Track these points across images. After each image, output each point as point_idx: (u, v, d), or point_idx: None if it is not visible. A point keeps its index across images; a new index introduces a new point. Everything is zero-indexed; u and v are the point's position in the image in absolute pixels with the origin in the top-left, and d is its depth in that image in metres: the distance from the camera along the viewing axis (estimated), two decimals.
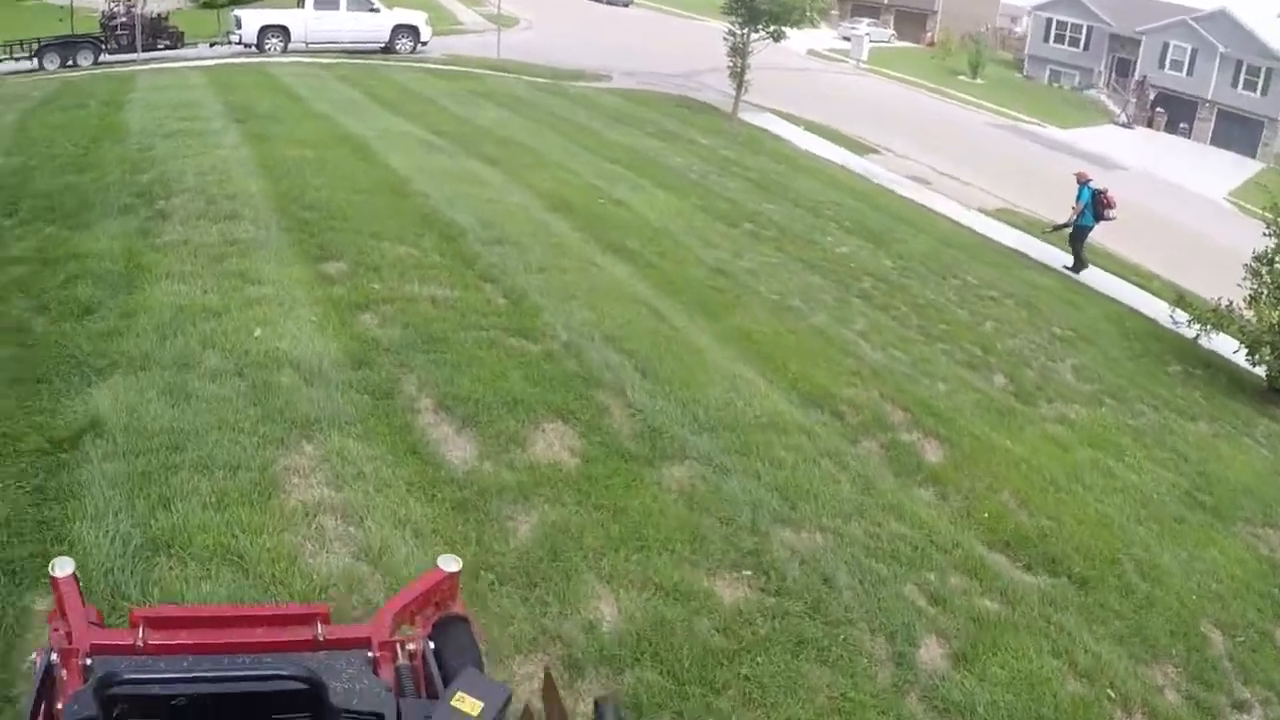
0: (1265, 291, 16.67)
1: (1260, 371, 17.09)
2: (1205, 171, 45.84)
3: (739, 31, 32.45)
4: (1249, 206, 35.38)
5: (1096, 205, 21.12)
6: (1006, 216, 26.65)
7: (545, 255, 12.73)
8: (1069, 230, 21.85)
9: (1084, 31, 68.38)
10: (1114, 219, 21.43)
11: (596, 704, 2.83)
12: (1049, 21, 70.60)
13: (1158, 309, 19.80)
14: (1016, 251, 22.90)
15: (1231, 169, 49.71)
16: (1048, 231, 22.92)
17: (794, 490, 8.24)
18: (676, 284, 13.24)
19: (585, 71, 38.18)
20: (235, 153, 15.30)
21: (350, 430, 7.50)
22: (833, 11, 59.23)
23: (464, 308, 10.24)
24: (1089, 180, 21.50)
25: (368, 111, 22.17)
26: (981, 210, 27.07)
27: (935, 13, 77.80)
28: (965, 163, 33.18)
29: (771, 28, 32.20)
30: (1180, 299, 18.20)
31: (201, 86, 24.16)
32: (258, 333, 8.79)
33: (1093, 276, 21.78)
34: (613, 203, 17.28)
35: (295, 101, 22.19)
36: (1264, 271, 16.96)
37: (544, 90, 32.13)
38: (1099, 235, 22.45)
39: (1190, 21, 61.66)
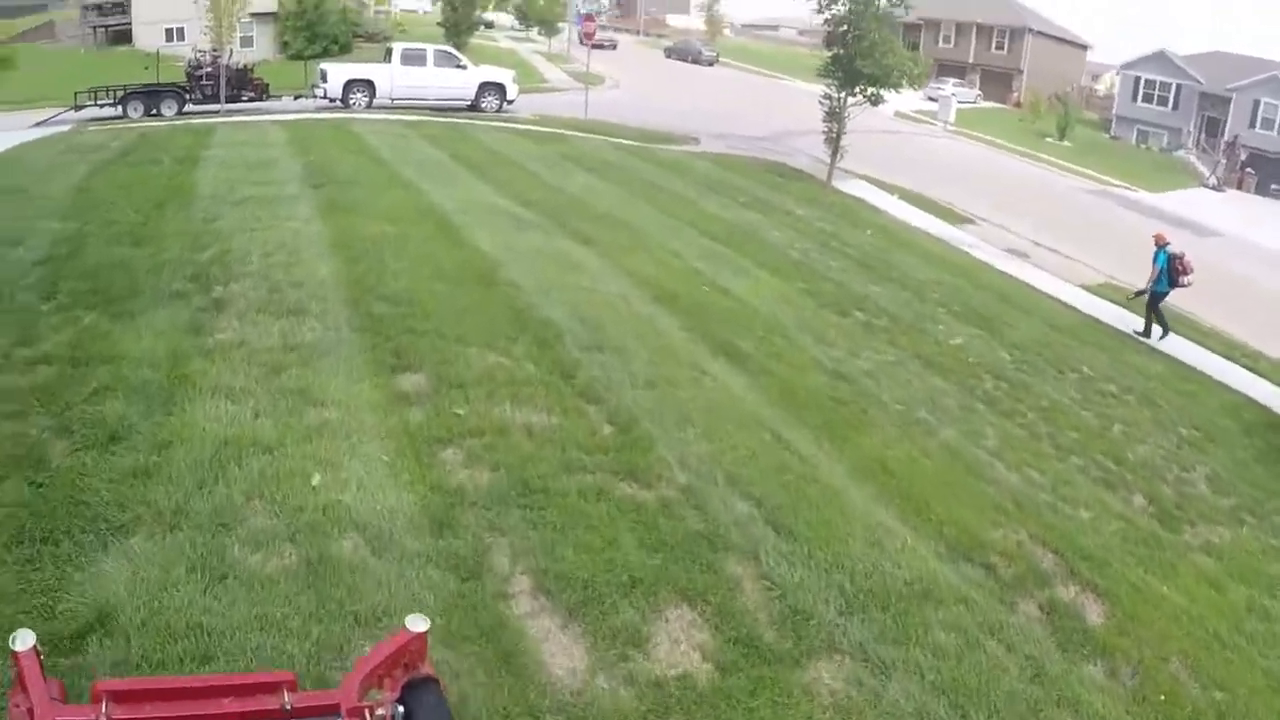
0: None
1: None
2: None
3: (835, 95, 30.58)
4: None
5: (1172, 271, 20.50)
6: (1107, 293, 24.86)
7: (652, 363, 10.95)
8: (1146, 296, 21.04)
9: (1173, 90, 66.29)
10: (1190, 285, 20.81)
11: None
12: (1137, 80, 68.52)
13: (1270, 394, 18.79)
14: (1121, 333, 21.33)
15: None
16: (1130, 299, 21.98)
17: (961, 689, 6.54)
18: (797, 396, 11.50)
19: (674, 134, 36.71)
20: (307, 227, 13.71)
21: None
22: None
23: (565, 439, 8.42)
24: (1167, 244, 20.83)
25: (453, 177, 20.61)
26: (1084, 287, 25.39)
27: (1021, 72, 75.81)
28: (1060, 232, 31.34)
29: (869, 91, 30.30)
30: None
31: (280, 144, 22.83)
32: (316, 480, 7.00)
33: (1200, 358, 20.35)
34: (717, 290, 15.51)
35: (377, 164, 20.68)
36: None
37: (633, 154, 30.56)
38: (1203, 310, 22.29)
39: None
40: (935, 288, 20.30)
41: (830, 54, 30.94)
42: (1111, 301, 23.52)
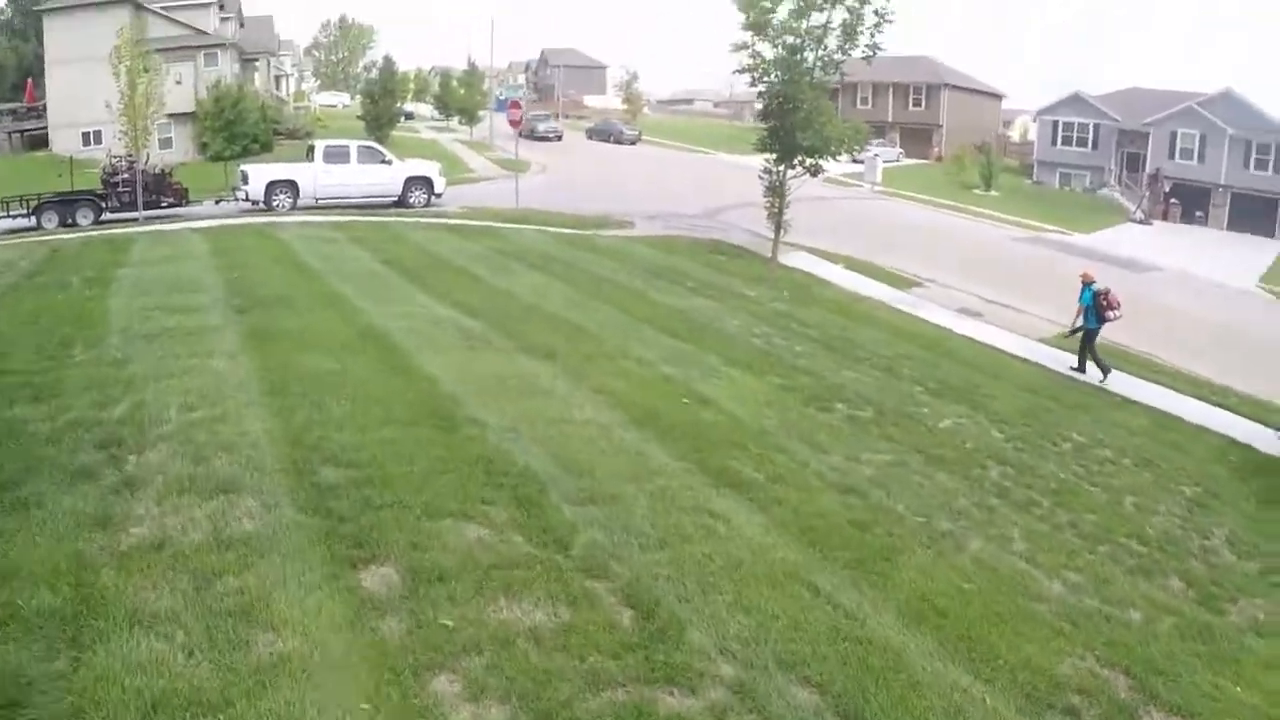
0: None
1: None
2: (1232, 262, 44.16)
3: (775, 169, 29.33)
4: None
5: (1098, 307, 20.83)
6: (1064, 343, 23.66)
7: (654, 511, 9.34)
8: (1079, 334, 21.44)
9: (1090, 130, 66.96)
10: (1118, 319, 21.11)
11: None
12: (1055, 124, 69.13)
13: (1248, 431, 18.69)
14: (1096, 388, 20.70)
15: (1255, 254, 47.85)
16: (1065, 337, 22.43)
17: None
18: (817, 529, 9.92)
19: (608, 218, 35.33)
20: (234, 366, 11.85)
21: None
22: None
23: (581, 642, 6.77)
24: (1092, 281, 21.26)
25: (389, 287, 18.86)
26: (1041, 340, 24.54)
27: (940, 126, 76.23)
28: (1004, 285, 30.53)
29: (809, 163, 29.10)
30: None
31: (201, 257, 21.00)
32: None
33: (1174, 403, 19.98)
34: (695, 401, 13.92)
35: (306, 277, 18.90)
36: None
37: (572, 244, 29.04)
38: (1161, 349, 23.11)
39: (1196, 107, 60.03)
40: (905, 363, 19.30)
41: (767, 127, 29.65)
42: (1069, 351, 22.74)
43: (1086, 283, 21.25)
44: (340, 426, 9.88)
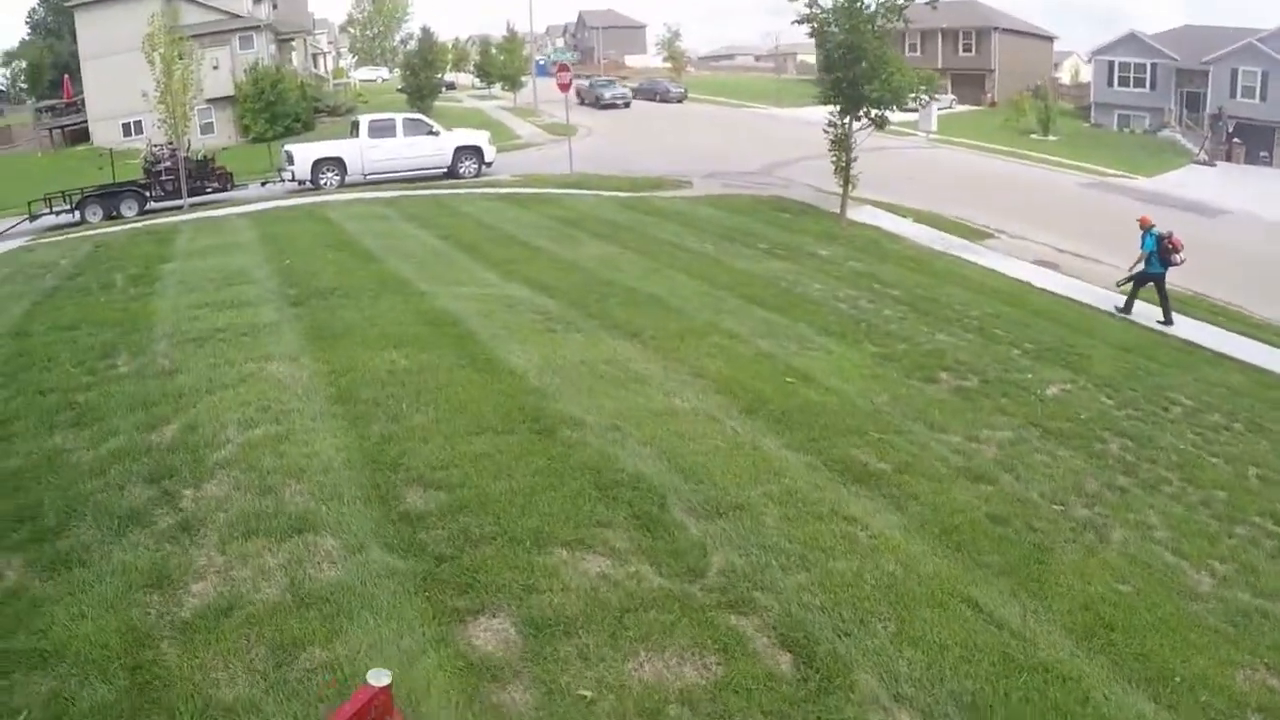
0: None
1: None
2: None
3: (840, 122, 27.67)
4: None
5: (1162, 251, 20.23)
6: (1152, 295, 22.29)
7: (787, 519, 8.10)
8: (1140, 278, 20.76)
9: (1148, 70, 64.50)
10: (1182, 262, 20.41)
11: None
12: (1111, 65, 66.75)
13: None
14: (1188, 342, 19.62)
15: None
16: (1120, 284, 21.34)
17: None
18: (959, 529, 8.79)
19: (664, 179, 33.86)
20: (295, 370, 10.56)
21: None
22: None
23: (739, 703, 5.58)
24: (1152, 226, 20.63)
25: (452, 265, 17.57)
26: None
27: (992, 71, 73.56)
28: (1075, 233, 29.25)
29: (874, 114, 27.46)
30: None
31: (250, 246, 19.79)
32: None
33: (1265, 357, 18.98)
34: (800, 379, 12.62)
35: (362, 261, 17.62)
36: None
37: (633, 208, 27.62)
38: (1241, 298, 22.34)
39: (1257, 43, 57.62)
40: (995, 323, 18.09)
41: (830, 79, 27.99)
42: (1148, 303, 21.60)
43: (1146, 227, 20.61)
44: (423, 438, 8.58)
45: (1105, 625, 7.65)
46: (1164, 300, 20.62)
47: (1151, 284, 20.70)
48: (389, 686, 3.05)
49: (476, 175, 33.34)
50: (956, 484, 10.10)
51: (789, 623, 6.50)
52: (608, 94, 63.43)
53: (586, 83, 65.96)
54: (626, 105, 63.63)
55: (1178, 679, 7.14)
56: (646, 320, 14.26)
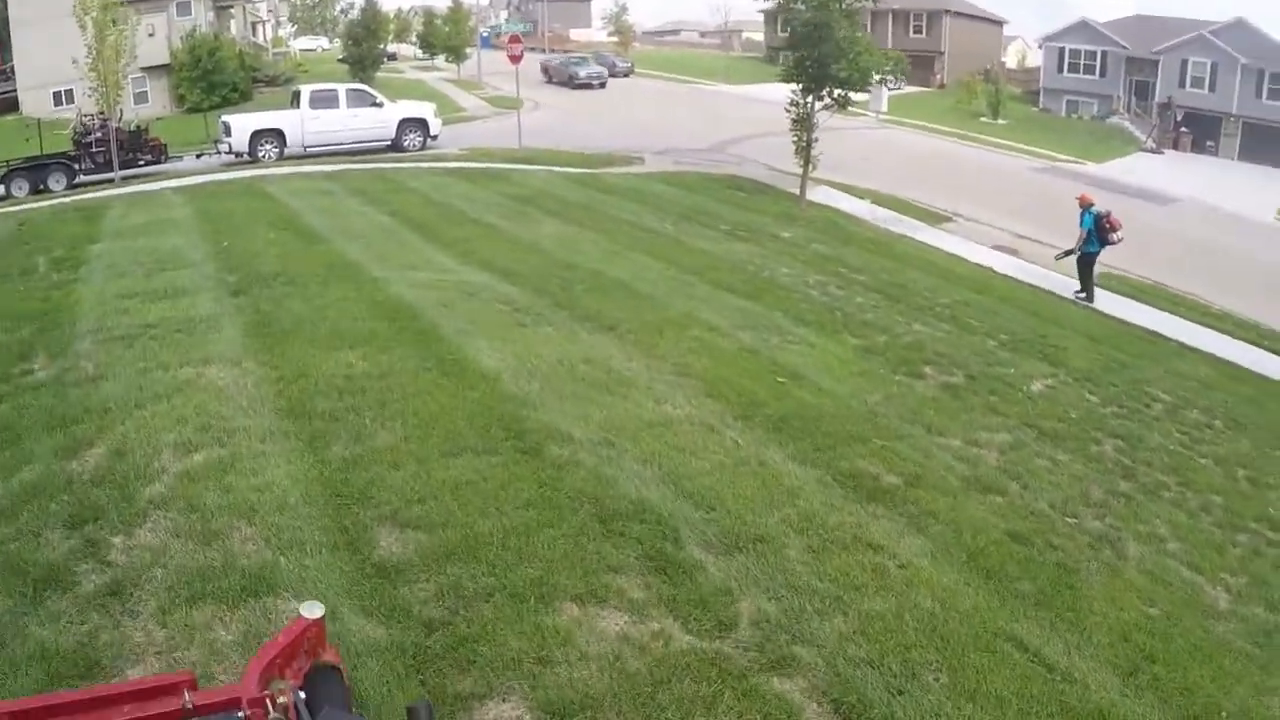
0: None
1: None
2: (1247, 192, 42.06)
3: (803, 101, 26.56)
4: None
5: (1100, 230, 20.33)
6: (1110, 282, 22.51)
7: (811, 553, 7.16)
8: (1076, 257, 20.94)
9: (1098, 58, 64.05)
10: (1120, 241, 20.60)
11: (409, 710, 2.57)
12: (1061, 51, 66.28)
13: None
14: (1152, 333, 19.55)
15: (1269, 184, 45.65)
16: (1058, 259, 21.78)
17: None
18: (982, 552, 8.09)
19: (615, 155, 32.58)
20: (237, 376, 9.14)
21: None
22: None
23: None
24: (1092, 204, 20.70)
25: (405, 247, 16.19)
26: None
27: (942, 53, 72.78)
28: (1031, 218, 28.79)
29: (838, 94, 26.43)
30: None
31: (185, 224, 18.23)
32: None
33: (1229, 349, 19.05)
34: (790, 377, 11.65)
35: (308, 240, 16.21)
36: None
37: (586, 184, 26.38)
38: (1200, 288, 22.40)
39: (1207, 35, 57.48)
40: (966, 311, 17.50)
41: (794, 57, 26.87)
42: (1115, 293, 21.85)
43: (1086, 206, 20.69)
44: (393, 462, 7.29)
45: (1146, 657, 7.20)
46: (1088, 275, 20.89)
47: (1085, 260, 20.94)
48: (323, 619, 2.83)
49: (422, 149, 31.81)
50: (970, 499, 9.37)
51: (838, 684, 5.61)
52: (582, 72, 57.87)
53: (556, 60, 62.79)
54: (602, 85, 58.24)
55: (1224, 714, 6.77)
56: (619, 310, 13.07)
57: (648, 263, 16.93)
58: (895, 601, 6.76)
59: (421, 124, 32.31)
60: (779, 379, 11.41)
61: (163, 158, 31.24)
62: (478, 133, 37.56)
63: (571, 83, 56.51)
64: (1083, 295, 20.78)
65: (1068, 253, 21.17)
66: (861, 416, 10.88)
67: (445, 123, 35.59)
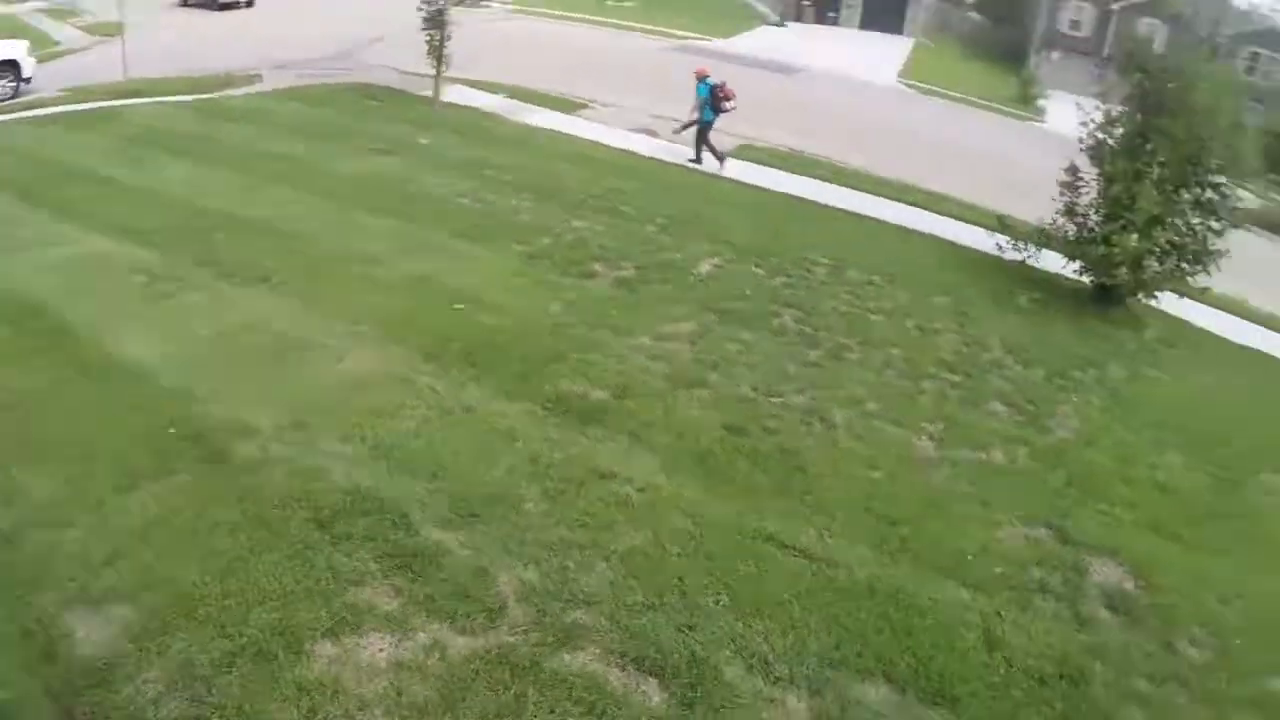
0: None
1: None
2: (873, 59, 44.95)
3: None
4: (924, 86, 40.08)
5: (714, 99, 20.81)
6: (750, 153, 23.07)
7: (549, 501, 7.03)
8: (695, 127, 21.31)
9: None
10: (733, 109, 21.06)
11: None
12: None
13: (953, 230, 18.82)
14: (793, 197, 19.95)
15: (891, 49, 49.29)
16: (676, 132, 22.21)
17: None
18: (713, 454, 8.38)
19: (232, 75, 29.86)
20: None
21: None
22: None
23: None
24: (707, 76, 21.12)
25: (11, 222, 13.78)
26: (754, 162, 22.89)
27: None
28: (666, 98, 27.60)
29: None
30: (1002, 224, 16.76)
31: None
32: None
33: (874, 206, 19.67)
34: (465, 301, 11.18)
35: None
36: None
37: (205, 113, 23.93)
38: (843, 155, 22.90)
39: None
40: (620, 199, 17.44)
41: None
42: (754, 162, 22.30)
43: (702, 77, 21.04)
44: (61, 519, 6.12)
45: (888, 522, 7.58)
46: (703, 142, 21.30)
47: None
48: None
49: (15, 97, 27.69)
50: (676, 398, 9.44)
51: (630, 640, 5.53)
52: None
53: None
54: (250, 4, 50.42)
55: (969, 557, 7.24)
56: (268, 257, 11.91)
57: (288, 194, 15.55)
58: (650, 532, 6.65)
59: (13, 65, 27.57)
60: (456, 305, 10.89)
61: None
62: (79, 67, 33.14)
63: (215, 4, 50.37)
64: (695, 161, 21.31)
65: (685, 125, 21.49)
66: (548, 331, 10.60)
67: (40, 61, 31.28)
